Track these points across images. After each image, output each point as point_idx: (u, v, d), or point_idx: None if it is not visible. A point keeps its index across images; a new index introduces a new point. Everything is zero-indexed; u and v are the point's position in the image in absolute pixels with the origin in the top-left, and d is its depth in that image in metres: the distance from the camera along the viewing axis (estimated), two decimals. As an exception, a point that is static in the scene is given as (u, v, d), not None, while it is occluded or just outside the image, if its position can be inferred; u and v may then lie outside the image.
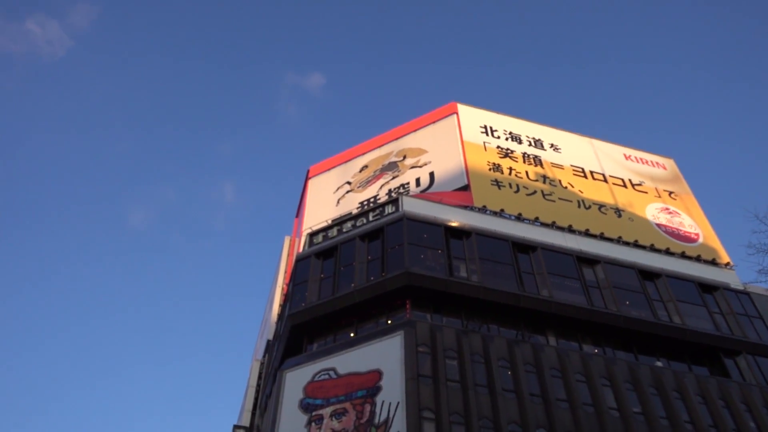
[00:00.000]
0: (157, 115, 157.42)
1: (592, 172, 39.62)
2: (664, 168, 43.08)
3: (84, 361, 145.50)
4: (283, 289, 37.84)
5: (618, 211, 36.32)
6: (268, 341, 35.34)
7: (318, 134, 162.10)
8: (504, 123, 42.19)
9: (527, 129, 42.44)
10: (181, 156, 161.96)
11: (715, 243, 36.14)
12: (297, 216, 46.15)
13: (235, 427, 32.12)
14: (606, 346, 28.05)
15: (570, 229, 32.91)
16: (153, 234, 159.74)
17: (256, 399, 33.85)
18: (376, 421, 22.07)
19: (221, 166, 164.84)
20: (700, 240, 36.14)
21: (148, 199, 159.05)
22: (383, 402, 22.48)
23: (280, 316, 33.03)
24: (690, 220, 37.76)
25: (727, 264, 34.34)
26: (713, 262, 34.06)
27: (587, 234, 33.05)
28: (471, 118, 41.50)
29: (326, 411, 23.36)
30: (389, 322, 26.43)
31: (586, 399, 24.40)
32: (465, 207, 32.57)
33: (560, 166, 39.22)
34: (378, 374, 23.53)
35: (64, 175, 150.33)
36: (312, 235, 32.89)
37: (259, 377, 34.99)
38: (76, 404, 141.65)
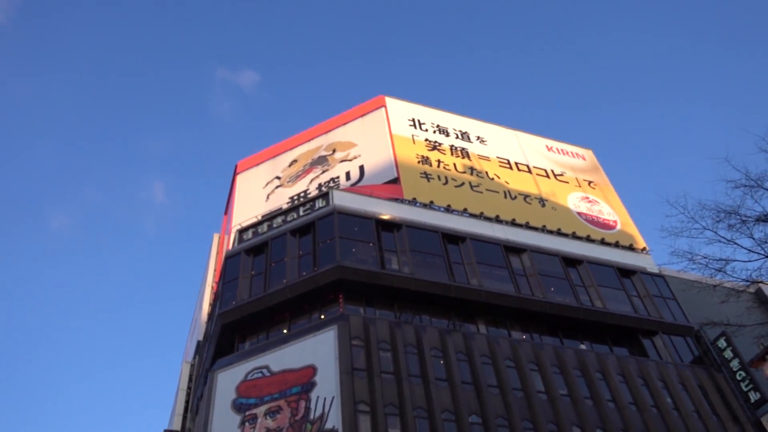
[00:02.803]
0: (82, 113, 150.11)
1: (517, 164, 40.73)
2: (584, 159, 44.82)
3: (8, 368, 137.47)
4: (212, 287, 37.00)
5: (542, 201, 37.52)
6: (199, 342, 34.51)
7: (250, 131, 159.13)
8: (432, 116, 42.72)
9: (454, 122, 43.15)
10: (108, 155, 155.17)
11: (632, 229, 37.97)
12: (226, 213, 45.19)
13: (166, 431, 31.22)
14: (534, 332, 29.01)
15: (497, 219, 33.76)
16: (76, 237, 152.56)
17: (187, 402, 33.01)
18: (311, 417, 21.98)
19: (150, 166, 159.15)
20: (618, 227, 37.87)
21: (71, 201, 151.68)
22: (318, 397, 22.42)
23: (210, 315, 32.30)
24: (608, 208, 39.48)
25: (644, 249, 36.18)
26: (630, 248, 35.78)
27: (514, 224, 34.00)
28: (399, 111, 41.78)
29: (260, 410, 23.06)
30: (322, 317, 26.35)
31: (515, 384, 25.17)
32: (395, 200, 32.83)
33: (487, 158, 40.10)
34: (312, 370, 23.43)
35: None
36: (241, 231, 32.31)
37: (190, 379, 34.13)
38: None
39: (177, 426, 31.95)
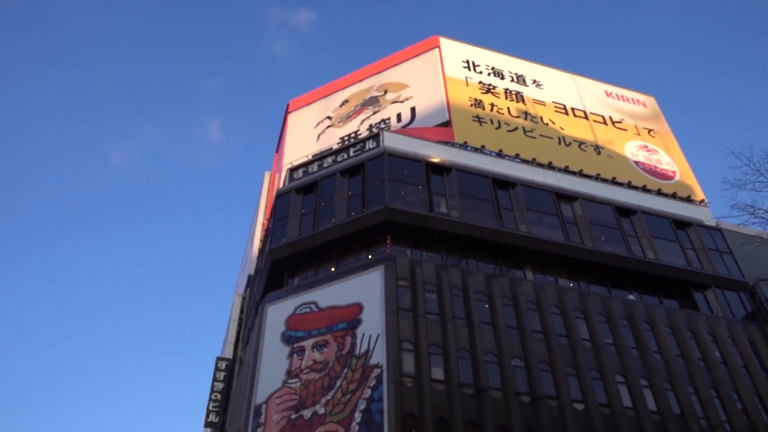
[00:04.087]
0: (140, 52, 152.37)
1: (573, 109, 39.50)
2: (645, 105, 43.09)
3: (75, 302, 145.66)
4: (263, 224, 37.86)
5: (597, 149, 36.48)
6: (250, 276, 35.62)
7: (304, 71, 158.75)
8: (487, 58, 41.57)
9: (510, 64, 41.91)
10: (166, 94, 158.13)
11: (691, 180, 36.66)
12: (277, 151, 45.69)
13: (218, 359, 32.73)
14: (581, 281, 28.75)
15: (550, 166, 33.07)
16: (136, 173, 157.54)
17: (238, 332, 34.40)
18: (357, 352, 22.62)
19: (206, 104, 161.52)
20: (677, 177, 36.61)
21: (131, 138, 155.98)
22: (363, 334, 22.99)
23: (261, 251, 33.17)
24: (668, 157, 38.11)
25: (702, 201, 34.98)
26: (688, 199, 34.65)
27: (566, 171, 33.27)
28: (453, 52, 40.78)
29: (308, 343, 23.85)
30: (369, 257, 26.71)
31: (560, 331, 25.19)
32: (446, 143, 32.46)
33: (542, 103, 39.01)
34: (359, 307, 23.96)
35: (45, 113, 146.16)
36: (292, 170, 32.66)
37: (241, 311, 35.45)
38: (71, 352, 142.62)
39: (229, 354, 33.45)
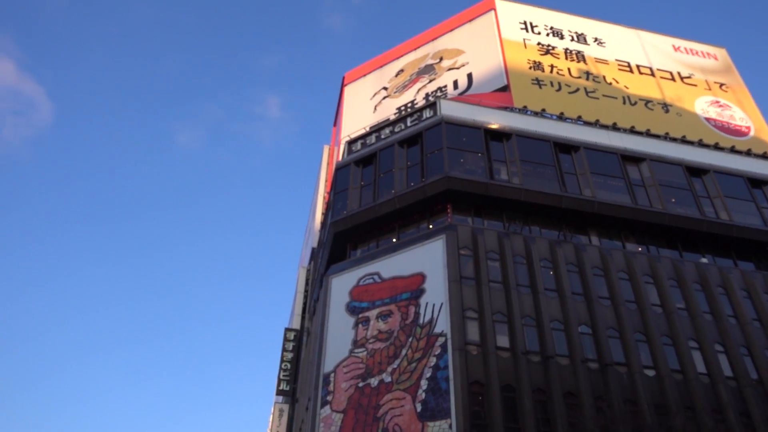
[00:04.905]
0: (199, 32, 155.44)
1: (638, 66, 37.89)
2: (716, 59, 40.84)
3: (140, 272, 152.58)
4: (324, 197, 38.35)
5: (665, 106, 34.96)
6: (313, 249, 36.30)
7: (359, 42, 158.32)
8: (545, 17, 40.23)
9: (570, 23, 40.43)
10: (225, 73, 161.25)
11: (767, 136, 34.72)
12: (335, 124, 45.96)
13: (287, 330, 33.71)
14: (650, 245, 27.88)
15: (614, 127, 31.96)
16: (201, 152, 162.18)
17: (304, 304, 35.27)
18: (421, 321, 22.81)
19: (265, 81, 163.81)
20: (752, 133, 34.73)
21: (195, 118, 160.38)
22: (427, 303, 23.14)
23: (323, 224, 33.69)
24: (741, 112, 36.14)
25: (780, 157, 33.11)
26: (764, 156, 32.84)
27: (632, 131, 32.09)
28: (510, 13, 39.66)
29: (372, 313, 24.21)
30: (430, 226, 26.70)
31: (628, 296, 24.60)
32: (505, 108, 31.81)
33: (605, 61, 37.57)
34: (421, 277, 24.08)
35: (111, 99, 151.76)
36: (350, 142, 32.82)
37: (306, 283, 36.26)
38: (147, 311, 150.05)
39: (296, 325, 34.40)
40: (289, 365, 31.99)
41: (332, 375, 23.30)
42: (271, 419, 36.50)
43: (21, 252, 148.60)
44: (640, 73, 37.41)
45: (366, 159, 30.66)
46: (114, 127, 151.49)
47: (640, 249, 27.46)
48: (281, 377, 31.64)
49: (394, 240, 27.30)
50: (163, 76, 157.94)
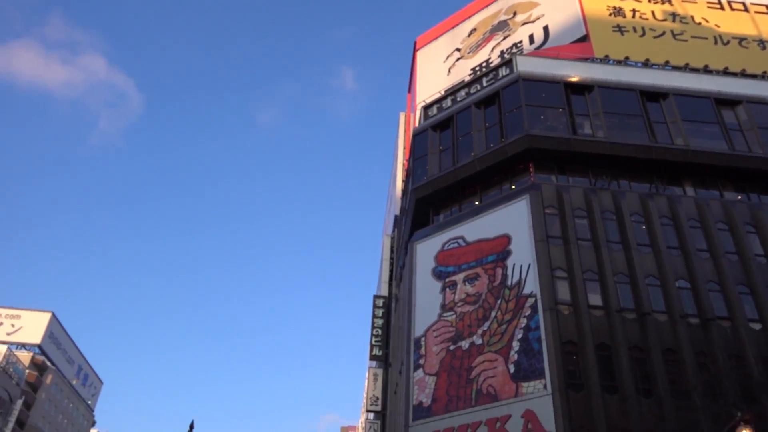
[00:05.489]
0: (272, 12, 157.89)
1: (729, 2, 35.22)
2: (820, -16, 37.29)
3: (233, 246, 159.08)
4: (403, 165, 38.45)
5: (762, 43, 32.43)
6: (396, 217, 36.61)
7: (430, 5, 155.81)
8: (623, -41, 37.96)
9: (651, -38, 37.98)
10: (299, 48, 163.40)
11: None
12: (409, 91, 45.67)
13: (375, 297, 34.37)
14: (751, 192, 26.24)
15: (706, 70, 30.04)
16: (281, 129, 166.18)
17: (391, 271, 35.77)
18: (509, 283, 22.66)
19: (338, 54, 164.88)
20: None
21: (272, 96, 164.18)
22: (514, 265, 22.92)
23: (404, 191, 33.85)
24: None
25: None
26: None
27: (726, 73, 30.05)
28: (585, -41, 37.67)
29: (459, 277, 24.27)
30: (513, 187, 26.27)
31: (728, 247, 23.39)
32: (585, 59, 30.52)
33: (692, 0, 35.17)
34: (507, 239, 23.84)
35: (194, 85, 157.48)
36: (426, 108, 32.59)
37: (392, 251, 36.71)
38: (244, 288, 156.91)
39: (384, 292, 35.02)
40: (379, 331, 32.69)
41: (423, 339, 23.65)
42: (366, 384, 37.61)
43: (135, 245, 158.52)
44: (732, 9, 34.79)
45: (443, 123, 30.38)
46: (198, 110, 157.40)
47: (739, 197, 25.92)
48: (373, 343, 32.42)
49: (477, 203, 27.08)
50: (241, 58, 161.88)
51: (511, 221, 24.19)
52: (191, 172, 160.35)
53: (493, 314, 22.35)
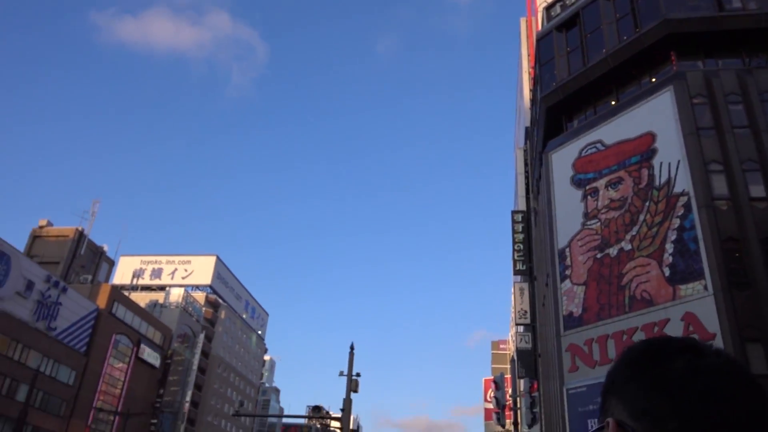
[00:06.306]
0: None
1: None
2: None
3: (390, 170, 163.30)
4: (529, 73, 36.79)
5: None
6: (527, 128, 35.46)
7: None
8: None
9: None
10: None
11: None
12: (527, -7, 43.03)
13: (513, 212, 34.00)
14: None
15: None
16: (402, 57, 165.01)
17: (526, 184, 35.05)
18: (656, 183, 21.36)
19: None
20: None
21: (388, 24, 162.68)
22: (661, 163, 21.49)
23: (533, 101, 32.56)
24: None
25: None
26: None
27: None
28: None
29: (600, 183, 23.25)
30: (653, 80, 24.27)
31: None
32: None
33: None
34: (650, 137, 22.30)
35: (314, 23, 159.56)
36: (548, 8, 30.61)
37: (525, 164, 35.83)
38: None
39: (522, 206, 34.51)
40: (521, 246, 32.49)
41: (567, 250, 23.19)
42: (513, 299, 37.86)
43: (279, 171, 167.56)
44: None
45: (568, 22, 28.42)
46: (319, 46, 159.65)
47: None
48: (516, 258, 32.36)
49: (613, 103, 25.44)
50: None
51: (654, 117, 22.52)
52: (321, 109, 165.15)
53: (641, 218, 21.30)
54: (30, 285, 47.92)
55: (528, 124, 34.94)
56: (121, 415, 47.69)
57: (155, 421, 62.56)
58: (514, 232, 32.88)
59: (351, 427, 24.73)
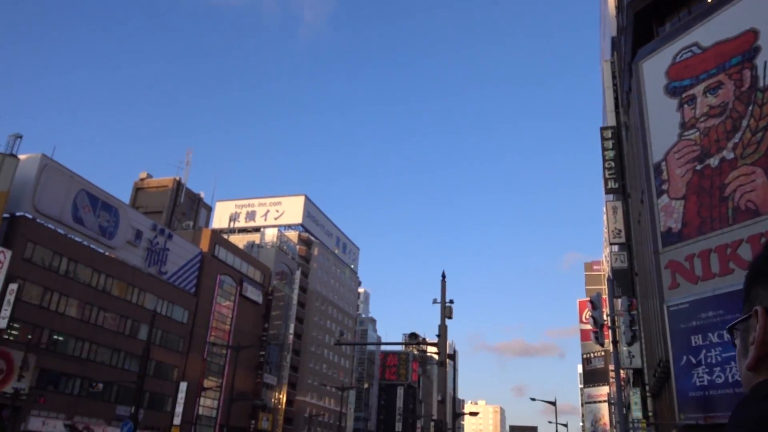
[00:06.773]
0: None
1: None
2: None
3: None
4: (613, -23, 34.30)
5: None
6: (613, 38, 33.42)
7: None
8: None
9: None
10: None
11: None
12: None
13: (602, 129, 32.58)
14: None
15: None
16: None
17: (615, 98, 33.34)
18: (761, 84, 19.74)
19: None
20: None
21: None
22: (765, 62, 19.77)
23: (618, 7, 30.46)
24: None
25: None
26: None
27: None
28: None
29: (697, 89, 21.76)
30: (756, -31, 22.00)
31: None
32: None
33: None
34: (753, 34, 20.46)
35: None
36: None
37: (613, 77, 33.98)
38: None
39: (611, 122, 32.98)
40: (612, 163, 31.25)
41: (663, 163, 22.12)
42: (605, 218, 36.82)
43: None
44: None
45: None
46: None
47: None
48: (607, 176, 31.22)
49: (710, 0, 23.39)
50: None
51: (756, 12, 20.57)
52: (395, 46, 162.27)
53: (744, 123, 19.87)
54: (139, 234, 51.47)
55: (614, 33, 32.86)
56: (232, 348, 51.40)
57: (263, 352, 66.87)
58: (604, 149, 31.58)
59: (447, 352, 25.41)
